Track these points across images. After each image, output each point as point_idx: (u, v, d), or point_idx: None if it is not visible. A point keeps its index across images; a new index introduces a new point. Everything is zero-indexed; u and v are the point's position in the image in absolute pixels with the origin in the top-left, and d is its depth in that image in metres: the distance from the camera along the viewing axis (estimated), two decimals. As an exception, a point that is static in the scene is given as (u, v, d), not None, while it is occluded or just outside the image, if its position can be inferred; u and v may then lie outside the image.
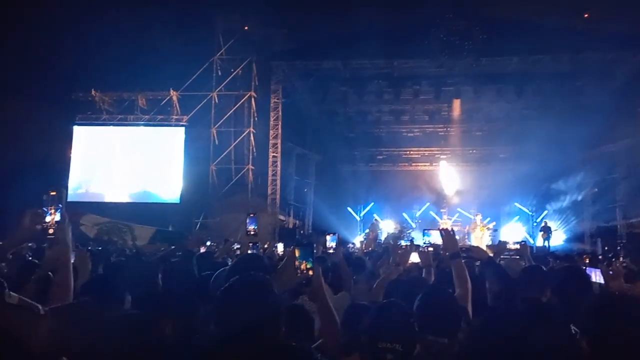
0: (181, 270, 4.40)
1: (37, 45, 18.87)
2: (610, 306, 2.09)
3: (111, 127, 22.81)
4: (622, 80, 20.31)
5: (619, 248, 18.20)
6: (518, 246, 6.13)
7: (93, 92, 22.41)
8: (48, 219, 2.63)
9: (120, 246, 12.70)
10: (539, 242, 21.11)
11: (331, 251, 4.69)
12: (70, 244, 2.78)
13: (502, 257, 6.38)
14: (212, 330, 2.11)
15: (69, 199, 20.08)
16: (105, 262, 5.49)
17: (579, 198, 23.82)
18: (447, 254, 3.99)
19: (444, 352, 2.54)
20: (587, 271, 3.89)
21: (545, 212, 23.74)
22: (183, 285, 3.84)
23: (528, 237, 23.12)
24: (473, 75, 19.72)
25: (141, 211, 20.63)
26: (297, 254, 2.33)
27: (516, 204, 24.33)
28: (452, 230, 4.17)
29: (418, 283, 3.80)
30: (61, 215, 2.67)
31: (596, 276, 3.99)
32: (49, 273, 2.72)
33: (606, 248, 18.57)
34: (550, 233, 20.48)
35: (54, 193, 2.70)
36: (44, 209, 2.64)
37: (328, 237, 5.02)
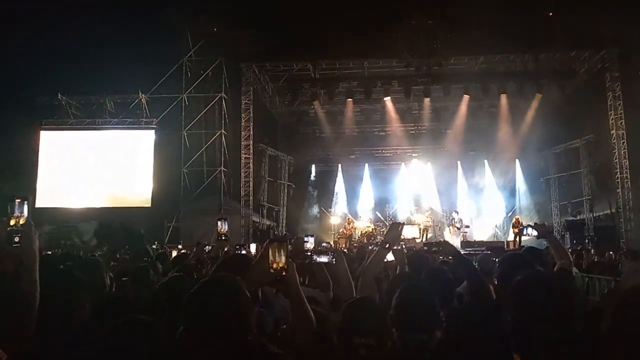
0: (139, 275, 4.35)
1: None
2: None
3: (79, 132, 22.39)
4: (584, 77, 20.87)
5: (587, 241, 18.65)
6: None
7: (59, 96, 21.93)
8: (12, 222, 2.57)
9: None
10: (510, 237, 21.48)
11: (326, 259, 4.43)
12: (37, 252, 2.72)
13: (475, 251, 6.49)
14: (181, 333, 2.10)
15: (37, 205, 19.66)
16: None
17: (547, 193, 24.39)
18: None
19: (422, 348, 2.57)
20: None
21: (515, 207, 24.19)
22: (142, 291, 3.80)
23: (499, 232, 23.53)
24: (441, 74, 19.97)
25: (111, 216, 20.31)
26: (270, 250, 2.32)
27: (487, 200, 24.71)
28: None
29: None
30: (27, 222, 2.61)
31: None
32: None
33: (574, 242, 19.01)
34: (522, 229, 20.79)
35: (19, 200, 2.64)
36: (10, 216, 2.59)
37: (307, 239, 5.01)
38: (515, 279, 2.22)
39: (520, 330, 1.98)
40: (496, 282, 3.59)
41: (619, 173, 19.51)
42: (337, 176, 26.21)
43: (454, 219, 21.65)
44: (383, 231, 20.76)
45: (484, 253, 6.65)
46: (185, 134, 22.14)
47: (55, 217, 19.95)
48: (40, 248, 2.96)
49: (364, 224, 22.63)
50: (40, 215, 17.64)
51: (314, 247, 4.91)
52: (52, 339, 2.49)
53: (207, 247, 6.57)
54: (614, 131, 19.67)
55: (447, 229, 21.74)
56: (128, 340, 2.01)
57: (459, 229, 21.02)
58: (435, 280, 3.54)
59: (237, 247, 6.93)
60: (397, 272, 4.54)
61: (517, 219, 20.89)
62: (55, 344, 2.50)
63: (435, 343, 2.63)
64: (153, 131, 22.08)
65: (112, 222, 18.16)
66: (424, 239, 19.46)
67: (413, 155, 25.79)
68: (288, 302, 2.69)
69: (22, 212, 2.60)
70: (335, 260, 3.88)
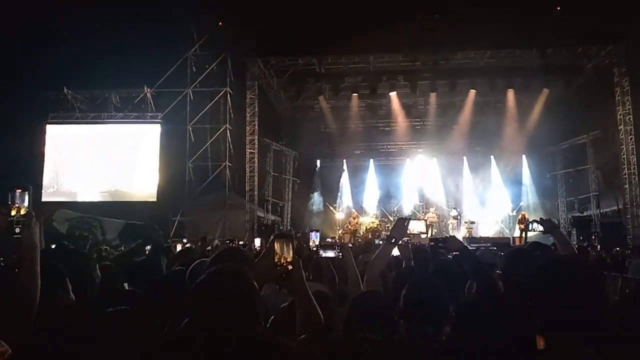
0: (148, 267, 4.30)
1: (5, 44, 18.43)
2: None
3: (84, 125, 22.42)
4: (591, 72, 20.68)
5: (593, 238, 18.52)
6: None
7: (65, 90, 21.97)
8: (13, 212, 2.53)
9: (90, 241, 12.47)
10: (516, 233, 21.38)
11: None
12: (39, 243, 2.65)
13: (480, 247, 6.44)
14: (186, 324, 2.05)
15: (42, 199, 19.71)
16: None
17: (554, 189, 24.25)
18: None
19: (430, 341, 2.54)
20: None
21: (522, 203, 24.07)
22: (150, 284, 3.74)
23: (505, 228, 23.43)
24: (447, 69, 19.86)
25: (116, 210, 20.34)
26: (276, 246, 2.28)
27: (493, 196, 24.60)
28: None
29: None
30: (28, 213, 2.57)
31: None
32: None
33: (581, 238, 18.88)
34: (527, 224, 20.70)
35: (20, 190, 2.60)
36: (11, 205, 2.55)
37: (312, 234, 4.98)
38: (538, 264, 2.17)
39: (546, 312, 1.91)
40: (500, 276, 3.56)
41: (626, 169, 19.34)
42: (342, 171, 26.18)
43: (452, 214, 21.83)
44: (388, 226, 20.75)
45: (487, 248, 6.62)
46: (190, 128, 22.14)
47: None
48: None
49: (369, 219, 22.58)
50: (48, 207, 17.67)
51: (319, 242, 4.88)
52: (45, 333, 2.44)
53: (214, 241, 6.55)
54: (621, 127, 19.47)
55: (452, 224, 21.78)
56: (126, 332, 1.96)
57: (456, 219, 21.23)
58: (442, 274, 3.50)
59: (227, 241, 6.93)
60: (403, 266, 4.50)
61: (523, 215, 20.78)
62: (49, 338, 2.45)
63: (443, 337, 2.60)
64: (158, 125, 22.09)
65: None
66: (430, 235, 19.41)
67: (418, 150, 25.71)
68: (280, 300, 2.65)
69: (22, 202, 2.56)
70: (342, 255, 3.84)
